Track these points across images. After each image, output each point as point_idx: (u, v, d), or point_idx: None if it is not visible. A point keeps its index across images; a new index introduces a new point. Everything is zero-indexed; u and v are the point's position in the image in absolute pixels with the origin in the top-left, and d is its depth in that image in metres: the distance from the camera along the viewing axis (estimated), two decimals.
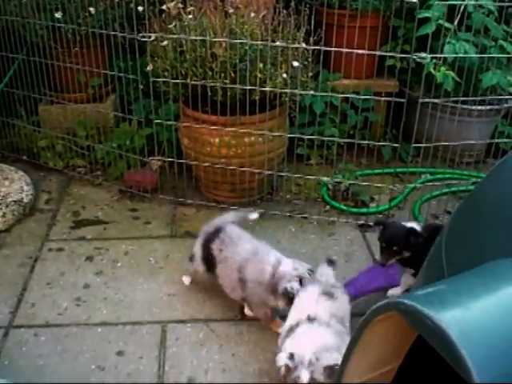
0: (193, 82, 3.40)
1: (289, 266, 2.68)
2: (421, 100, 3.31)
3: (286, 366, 2.16)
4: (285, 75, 3.30)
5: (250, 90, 3.35)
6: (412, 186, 3.98)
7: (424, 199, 3.85)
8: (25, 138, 4.27)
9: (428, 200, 3.82)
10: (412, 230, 2.79)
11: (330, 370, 2.14)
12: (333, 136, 3.95)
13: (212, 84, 3.37)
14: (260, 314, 2.80)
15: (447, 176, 4.08)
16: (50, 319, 2.89)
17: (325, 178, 3.80)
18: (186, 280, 3.10)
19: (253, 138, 3.51)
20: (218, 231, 2.91)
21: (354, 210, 3.75)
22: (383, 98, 3.74)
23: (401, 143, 3.80)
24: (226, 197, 3.77)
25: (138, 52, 3.47)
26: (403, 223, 2.89)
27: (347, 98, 4.03)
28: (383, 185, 3.61)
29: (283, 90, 3.38)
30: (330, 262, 2.76)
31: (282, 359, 2.18)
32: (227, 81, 3.34)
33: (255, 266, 2.74)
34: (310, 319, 2.35)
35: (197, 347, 2.73)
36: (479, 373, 1.32)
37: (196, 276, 3.05)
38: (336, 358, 2.14)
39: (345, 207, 3.76)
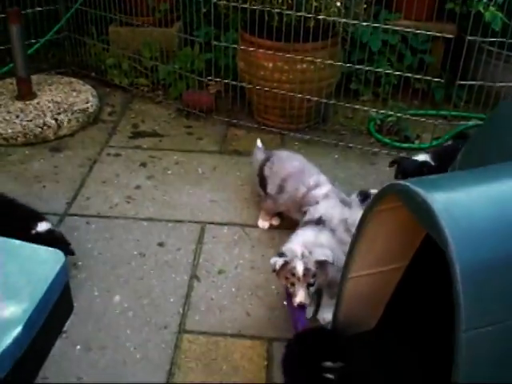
0: (251, 7, 3.56)
1: (321, 192, 2.81)
2: (468, 37, 3.37)
3: (284, 262, 2.35)
4: (338, 3, 3.43)
5: (304, 17, 3.50)
6: (459, 128, 4.04)
7: None
8: (94, 56, 4.56)
9: None
10: (424, 163, 2.96)
11: (320, 264, 2.34)
12: (387, 74, 4.03)
13: (270, 9, 3.52)
14: (268, 206, 3.05)
15: None
16: (101, 211, 3.18)
17: (373, 112, 3.92)
18: (263, 224, 3.12)
19: (304, 65, 3.67)
20: (268, 157, 3.12)
21: (397, 144, 3.87)
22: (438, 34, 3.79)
23: (452, 85, 3.86)
24: (276, 121, 3.95)
25: None
26: (415, 158, 3.07)
27: (405, 38, 4.12)
28: (428, 120, 3.71)
29: (336, 19, 3.51)
30: (363, 195, 2.87)
31: (279, 262, 2.36)
32: (284, 7, 3.49)
33: (294, 182, 2.92)
34: (318, 222, 2.55)
35: (230, 246, 2.97)
36: (455, 242, 1.49)
37: (268, 209, 3.11)
38: (327, 254, 2.34)
39: (389, 141, 3.89)
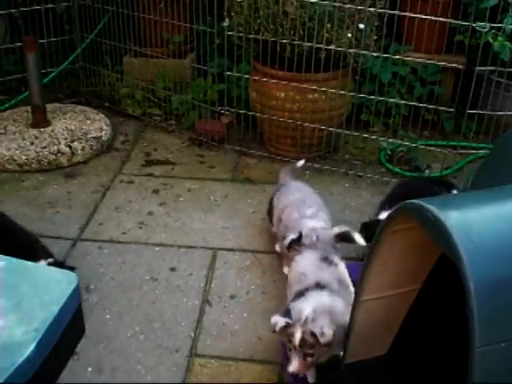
0: (264, 38, 3.63)
1: (310, 224, 2.72)
2: (478, 68, 3.42)
3: (285, 324, 2.10)
4: (349, 35, 3.49)
5: (316, 48, 3.56)
6: (468, 158, 4.07)
7: None
8: (108, 85, 4.64)
9: None
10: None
11: (314, 335, 2.06)
12: (398, 105, 4.08)
13: (282, 40, 3.59)
14: (280, 248, 2.99)
15: None
16: (113, 237, 3.21)
17: (384, 142, 3.95)
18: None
19: (316, 95, 3.72)
20: (280, 186, 3.17)
21: (408, 173, 3.89)
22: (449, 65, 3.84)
23: (462, 116, 3.89)
24: (287, 151, 3.98)
25: (215, 8, 3.75)
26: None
27: (415, 70, 4.19)
28: (438, 150, 3.74)
29: (347, 50, 3.57)
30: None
31: (280, 323, 2.11)
32: (296, 38, 3.56)
33: (291, 210, 2.90)
34: (320, 286, 2.28)
35: (242, 272, 2.98)
36: (469, 258, 1.50)
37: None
38: (325, 331, 2.06)
39: (399, 170, 3.91)
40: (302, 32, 3.56)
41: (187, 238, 3.21)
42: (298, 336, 2.07)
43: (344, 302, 2.26)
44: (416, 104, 3.87)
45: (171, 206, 3.48)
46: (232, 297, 2.81)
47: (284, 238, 2.70)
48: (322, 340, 2.04)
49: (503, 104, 3.74)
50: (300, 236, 2.61)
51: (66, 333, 2.36)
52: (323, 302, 2.19)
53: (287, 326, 2.09)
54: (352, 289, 2.37)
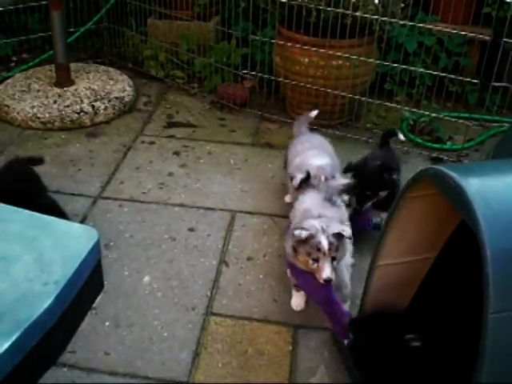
0: (290, 2, 3.60)
1: (315, 162, 2.83)
2: (504, 39, 3.36)
3: (308, 235, 2.24)
4: (376, 1, 3.45)
5: (342, 14, 3.52)
6: (491, 132, 4.04)
7: None
8: (132, 47, 4.64)
9: None
10: (383, 165, 2.78)
11: (338, 235, 2.25)
12: (422, 76, 4.04)
13: (308, 5, 3.56)
14: (290, 198, 3.05)
15: None
16: (134, 196, 3.24)
17: (406, 112, 3.93)
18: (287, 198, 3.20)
19: (340, 61, 3.70)
20: (293, 141, 3.21)
21: (429, 144, 3.86)
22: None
23: (486, 89, 3.85)
24: None
25: None
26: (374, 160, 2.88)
27: (440, 40, 4.14)
28: (460, 121, 3.70)
29: (373, 17, 3.53)
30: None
31: (303, 232, 2.24)
32: (322, 3, 3.52)
33: (297, 155, 2.99)
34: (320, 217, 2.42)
35: (259, 235, 3.00)
36: (487, 225, 1.51)
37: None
38: (344, 228, 2.28)
39: (421, 141, 3.88)
40: None
41: (206, 199, 3.24)
42: (324, 241, 2.22)
43: None
44: (440, 74, 3.82)
45: (191, 168, 3.50)
46: (249, 258, 2.84)
47: (292, 178, 2.78)
48: (347, 234, 2.25)
49: None
50: (308, 175, 2.71)
51: (85, 287, 2.40)
52: (327, 216, 2.39)
53: (310, 237, 2.23)
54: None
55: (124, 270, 2.72)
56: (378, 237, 2.13)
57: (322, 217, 2.38)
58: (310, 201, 2.60)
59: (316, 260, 2.25)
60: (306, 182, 2.72)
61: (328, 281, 2.23)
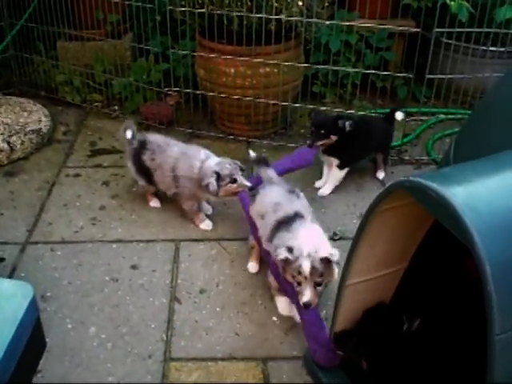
0: (209, 11, 3.41)
1: (212, 162, 2.86)
2: (436, 30, 3.28)
3: (286, 258, 2.20)
4: (300, 3, 3.30)
5: (265, 19, 3.36)
6: (424, 125, 3.99)
7: (437, 137, 3.87)
8: (43, 73, 4.33)
9: (441, 138, 3.84)
10: (340, 116, 3.17)
11: (326, 260, 2.19)
12: (348, 74, 3.94)
13: (228, 13, 3.37)
14: (188, 206, 3.00)
15: (460, 116, 4.07)
16: (65, 236, 2.97)
17: (339, 112, 3.80)
18: (154, 203, 3.19)
19: (268, 69, 3.54)
20: (143, 144, 3.05)
21: None
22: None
23: (415, 83, 3.78)
24: (241, 129, 3.80)
25: None
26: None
27: (363, 37, 4.05)
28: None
29: (298, 19, 3.39)
30: (262, 160, 2.91)
31: (283, 253, 2.21)
32: (243, 9, 3.35)
33: (185, 162, 2.92)
34: (300, 215, 2.41)
35: (209, 263, 2.80)
36: (482, 240, 1.35)
37: (147, 191, 3.17)
38: (332, 252, 2.21)
39: None
40: (249, 3, 3.35)
41: (145, 231, 3.00)
42: (306, 266, 2.17)
43: None
44: (370, 72, 3.72)
45: (124, 198, 3.25)
46: (201, 291, 2.63)
47: (206, 185, 2.79)
48: (334, 259, 2.19)
49: (454, 65, 3.63)
50: (218, 175, 2.78)
51: (27, 351, 2.13)
52: (316, 231, 2.36)
53: (289, 260, 2.20)
54: None
55: (66, 322, 2.46)
56: (347, 255, 1.96)
57: (298, 214, 2.40)
58: (275, 194, 2.58)
59: (299, 283, 2.22)
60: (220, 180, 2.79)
61: (307, 305, 2.18)
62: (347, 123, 3.12)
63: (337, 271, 2.22)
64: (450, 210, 1.39)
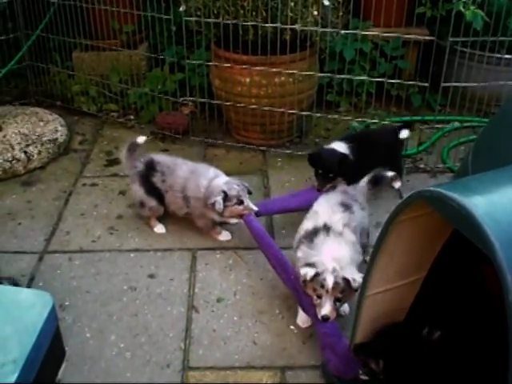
0: (225, 21, 3.43)
1: (221, 181, 2.86)
2: (450, 39, 3.29)
3: (315, 273, 2.24)
4: (315, 12, 3.32)
5: (280, 28, 3.37)
6: (440, 133, 3.98)
7: (452, 145, 3.85)
8: (59, 83, 4.37)
9: (456, 146, 3.82)
10: (344, 156, 3.04)
11: (347, 281, 2.22)
12: (363, 82, 3.95)
13: (244, 23, 3.39)
14: (201, 224, 2.99)
15: (475, 124, 4.06)
16: (83, 246, 2.98)
17: (354, 122, 3.81)
18: (159, 229, 3.11)
19: (283, 78, 3.55)
20: (150, 165, 3.02)
21: None
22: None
23: (430, 91, 3.79)
24: (256, 138, 3.81)
25: None
26: (331, 147, 3.11)
27: (377, 45, 4.06)
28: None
29: (313, 28, 3.40)
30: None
31: (310, 273, 2.24)
32: (259, 19, 3.36)
33: (194, 182, 2.92)
34: (326, 227, 2.42)
35: (226, 272, 2.80)
36: (503, 249, 1.36)
37: (155, 215, 3.10)
38: (355, 277, 2.23)
39: None
40: (264, 13, 3.37)
41: (163, 240, 3.02)
42: (330, 280, 2.21)
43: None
44: (386, 80, 3.71)
45: None
46: (219, 300, 2.63)
47: (212, 204, 2.80)
48: (355, 285, 2.21)
49: (469, 73, 3.63)
50: (225, 195, 2.80)
51: (47, 360, 2.14)
52: (342, 252, 2.34)
53: (317, 274, 2.23)
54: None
55: (85, 331, 2.47)
56: (367, 267, 1.96)
57: (327, 224, 2.41)
58: (321, 204, 2.62)
59: (319, 297, 2.26)
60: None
61: (325, 319, 2.22)
62: (350, 160, 3.06)
63: (356, 294, 2.22)
64: (471, 220, 1.39)
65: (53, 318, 2.23)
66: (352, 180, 3.13)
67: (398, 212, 1.72)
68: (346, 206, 2.56)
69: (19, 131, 3.79)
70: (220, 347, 2.40)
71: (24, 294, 2.34)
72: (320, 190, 2.98)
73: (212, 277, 2.77)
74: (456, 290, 2.12)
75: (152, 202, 3.03)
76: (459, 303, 2.09)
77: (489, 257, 1.38)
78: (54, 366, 2.27)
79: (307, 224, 2.51)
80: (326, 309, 2.22)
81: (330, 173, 2.99)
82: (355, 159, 3.09)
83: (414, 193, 1.62)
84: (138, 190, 3.04)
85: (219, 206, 2.79)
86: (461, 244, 1.92)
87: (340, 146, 3.09)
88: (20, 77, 4.50)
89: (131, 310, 2.58)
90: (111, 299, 2.64)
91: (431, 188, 1.53)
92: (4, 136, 3.73)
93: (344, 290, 2.24)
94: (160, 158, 3.08)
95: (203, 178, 2.90)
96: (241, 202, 2.82)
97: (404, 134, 3.32)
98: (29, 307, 2.18)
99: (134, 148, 3.07)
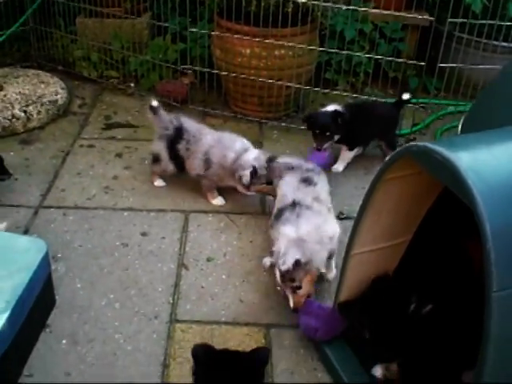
0: None
1: (251, 156, 2.90)
2: (449, 20, 3.33)
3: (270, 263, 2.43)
4: None
5: (283, 1, 3.41)
6: (434, 115, 4.03)
7: (445, 128, 3.90)
8: (62, 48, 4.40)
9: (449, 129, 3.87)
10: (337, 112, 3.17)
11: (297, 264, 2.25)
12: (361, 62, 3.99)
13: None
14: (205, 183, 3.04)
15: (468, 109, 4.10)
16: (78, 203, 3.04)
17: (350, 98, 3.86)
18: (159, 183, 3.19)
19: (283, 51, 3.59)
20: (179, 132, 3.04)
21: None
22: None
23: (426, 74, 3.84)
24: (253, 110, 3.86)
25: None
26: (324, 110, 3.27)
27: (377, 27, 4.10)
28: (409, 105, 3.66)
29: (315, 2, 3.44)
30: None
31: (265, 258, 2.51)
32: None
33: (220, 150, 2.95)
34: (294, 204, 2.50)
35: (217, 234, 2.86)
36: (484, 200, 1.41)
37: (165, 174, 3.16)
38: (296, 256, 2.26)
39: None
40: None
41: (157, 201, 3.07)
42: (277, 275, 2.30)
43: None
44: (385, 58, 3.76)
45: (137, 170, 3.32)
46: (209, 259, 2.69)
47: (240, 177, 2.87)
48: (282, 268, 2.23)
49: (464, 60, 3.69)
50: (255, 170, 2.84)
51: (37, 304, 2.21)
52: (291, 236, 2.36)
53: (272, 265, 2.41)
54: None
55: (76, 282, 2.52)
56: (353, 226, 2.01)
57: (297, 202, 2.49)
58: (285, 186, 2.67)
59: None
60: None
61: (294, 310, 2.30)
62: (345, 116, 3.18)
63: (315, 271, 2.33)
64: (454, 173, 1.45)
65: (46, 264, 2.29)
66: (352, 142, 3.30)
67: (386, 169, 1.77)
68: (309, 181, 2.66)
69: (20, 91, 3.82)
70: (207, 303, 2.46)
71: (20, 239, 2.40)
72: (319, 149, 3.11)
73: (203, 238, 2.83)
74: (439, 260, 2.16)
75: (170, 167, 3.08)
76: (442, 272, 2.14)
77: (473, 230, 1.43)
78: (45, 311, 2.33)
79: (277, 205, 2.61)
80: (291, 302, 2.29)
81: (326, 131, 3.13)
82: (351, 119, 3.19)
83: (401, 149, 1.68)
84: (161, 150, 3.07)
85: (247, 180, 2.85)
86: (446, 212, 1.99)
87: (336, 107, 3.23)
88: (23, 40, 4.51)
89: (122, 264, 2.64)
90: (103, 253, 2.70)
91: (418, 143, 1.59)
92: (5, 95, 3.76)
93: (294, 278, 2.25)
94: (188, 124, 3.08)
95: (230, 150, 2.93)
96: (268, 183, 2.89)
97: (406, 95, 3.44)
98: (23, 251, 2.25)
99: (155, 110, 3.10)
